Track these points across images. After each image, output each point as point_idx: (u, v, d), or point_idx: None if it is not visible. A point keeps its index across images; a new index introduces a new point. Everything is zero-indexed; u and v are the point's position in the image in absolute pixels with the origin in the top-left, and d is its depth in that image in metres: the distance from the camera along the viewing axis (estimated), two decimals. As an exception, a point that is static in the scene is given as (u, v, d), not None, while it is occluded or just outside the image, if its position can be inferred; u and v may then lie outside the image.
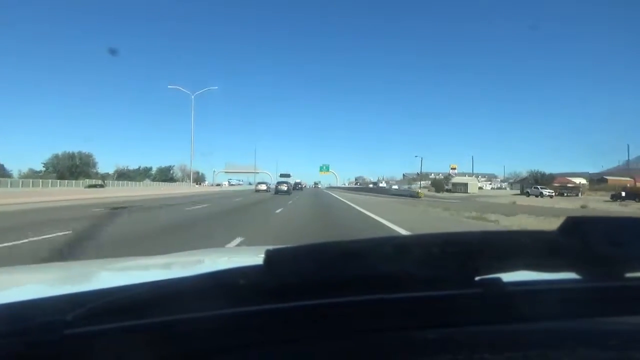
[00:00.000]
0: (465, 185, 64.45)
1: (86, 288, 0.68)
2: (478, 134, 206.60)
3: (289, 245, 0.65)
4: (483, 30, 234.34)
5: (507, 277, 0.67)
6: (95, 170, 79.28)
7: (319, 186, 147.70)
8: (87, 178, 69.99)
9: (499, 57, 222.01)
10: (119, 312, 0.57)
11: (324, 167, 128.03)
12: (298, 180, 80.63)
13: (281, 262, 0.63)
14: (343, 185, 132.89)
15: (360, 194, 49.10)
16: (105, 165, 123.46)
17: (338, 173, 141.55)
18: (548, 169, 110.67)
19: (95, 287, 0.69)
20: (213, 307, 0.59)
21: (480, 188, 70.90)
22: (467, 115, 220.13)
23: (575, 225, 0.67)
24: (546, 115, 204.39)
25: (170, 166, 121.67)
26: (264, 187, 53.35)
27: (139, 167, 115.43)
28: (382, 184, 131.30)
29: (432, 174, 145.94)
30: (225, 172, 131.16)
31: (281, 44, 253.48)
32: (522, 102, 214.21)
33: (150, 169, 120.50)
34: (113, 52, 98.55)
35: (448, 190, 65.96)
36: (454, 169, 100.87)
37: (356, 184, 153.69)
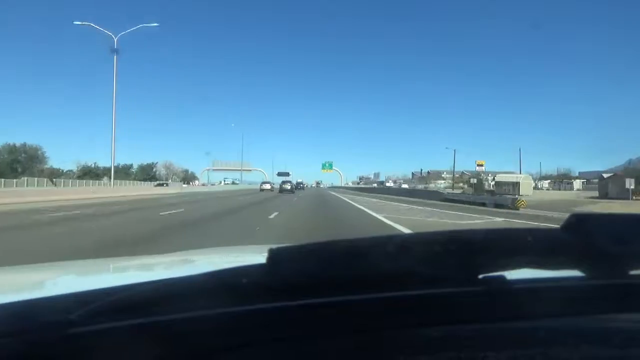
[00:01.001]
0: (515, 185, 49.65)
1: (90, 287, 0.69)
2: (484, 132, 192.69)
3: (291, 244, 0.65)
4: (479, 29, 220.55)
5: (511, 274, 0.66)
6: (41, 167, 64.66)
7: (321, 185, 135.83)
8: (31, 176, 55.65)
9: (498, 56, 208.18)
10: (123, 311, 0.57)
11: (327, 165, 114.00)
12: (300, 180, 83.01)
13: (284, 260, 0.63)
14: (346, 185, 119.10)
15: (387, 200, 33.74)
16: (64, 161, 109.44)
17: (342, 171, 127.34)
18: (551, 166, 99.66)
19: (99, 286, 0.70)
20: (216, 306, 0.59)
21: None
22: (470, 116, 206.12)
23: (578, 223, 0.67)
24: (547, 115, 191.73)
25: (152, 163, 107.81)
26: (268, 186, 54.77)
27: (118, 164, 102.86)
28: (389, 184, 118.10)
29: (444, 172, 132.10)
30: (213, 169, 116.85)
31: (277, 31, 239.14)
32: (527, 99, 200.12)
33: (131, 166, 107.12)
34: (114, 52, 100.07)
35: (490, 192, 51.11)
36: (482, 165, 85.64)
37: (358, 183, 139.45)
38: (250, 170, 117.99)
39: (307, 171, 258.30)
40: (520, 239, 0.68)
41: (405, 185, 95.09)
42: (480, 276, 0.65)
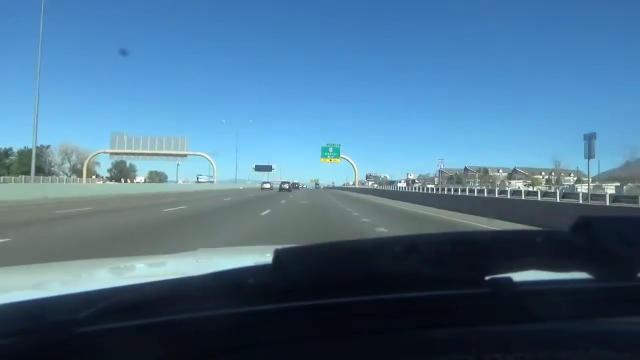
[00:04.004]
0: None
1: (97, 287, 0.70)
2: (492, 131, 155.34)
3: (297, 245, 0.65)
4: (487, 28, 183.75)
5: (518, 276, 0.66)
6: None
7: (320, 186, 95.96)
8: None
9: (508, 58, 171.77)
10: (130, 310, 0.58)
11: (331, 151, 71.58)
12: (296, 181, 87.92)
13: (290, 261, 0.62)
14: (352, 186, 79.94)
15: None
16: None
17: (355, 162, 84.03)
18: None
19: (106, 286, 0.70)
20: (222, 307, 0.59)
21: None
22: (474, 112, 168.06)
23: (587, 225, 0.66)
24: (548, 115, 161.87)
25: (42, 147, 64.55)
26: (268, 185, 67.00)
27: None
28: (402, 184, 78.92)
29: (500, 169, 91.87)
30: (110, 152, 72.09)
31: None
32: (528, 99, 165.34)
33: (10, 151, 64.36)
34: (123, 52, 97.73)
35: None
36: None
37: (360, 184, 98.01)
38: (185, 155, 72.73)
39: (299, 165, 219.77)
40: (527, 241, 0.68)
41: (431, 186, 58.00)
42: (487, 278, 0.64)
